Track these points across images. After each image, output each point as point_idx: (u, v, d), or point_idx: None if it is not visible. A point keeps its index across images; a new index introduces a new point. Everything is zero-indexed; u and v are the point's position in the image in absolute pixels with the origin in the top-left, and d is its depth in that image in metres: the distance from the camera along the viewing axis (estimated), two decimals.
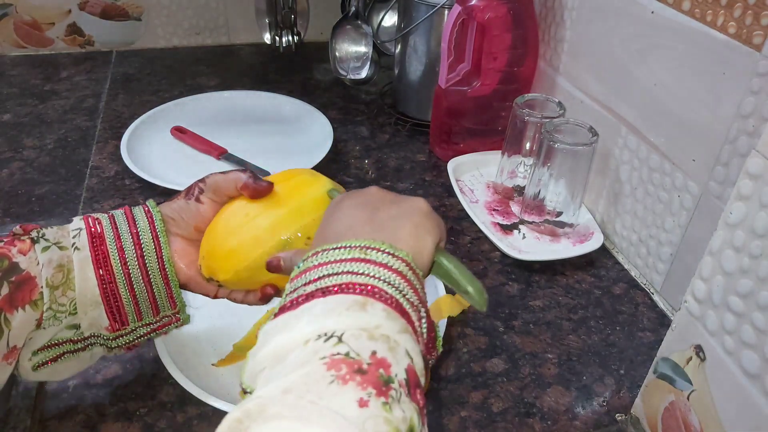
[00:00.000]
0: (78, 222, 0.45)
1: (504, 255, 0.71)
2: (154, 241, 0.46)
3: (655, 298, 0.68)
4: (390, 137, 0.95)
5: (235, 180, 0.47)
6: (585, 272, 0.71)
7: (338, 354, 0.28)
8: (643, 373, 0.53)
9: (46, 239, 0.43)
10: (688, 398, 0.47)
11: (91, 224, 0.45)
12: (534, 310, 0.65)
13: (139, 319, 0.47)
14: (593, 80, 0.75)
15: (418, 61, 0.92)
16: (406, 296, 0.33)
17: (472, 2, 0.77)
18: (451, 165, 0.83)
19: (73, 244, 0.44)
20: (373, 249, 0.35)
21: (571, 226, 0.74)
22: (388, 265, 0.34)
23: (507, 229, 0.76)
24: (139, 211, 0.47)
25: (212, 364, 0.55)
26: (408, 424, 0.27)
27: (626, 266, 0.72)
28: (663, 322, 0.65)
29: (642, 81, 0.66)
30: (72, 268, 0.43)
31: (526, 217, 0.76)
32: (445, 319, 0.59)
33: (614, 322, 0.64)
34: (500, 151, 0.80)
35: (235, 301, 0.51)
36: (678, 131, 0.62)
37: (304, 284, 0.33)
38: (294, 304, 0.32)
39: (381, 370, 0.28)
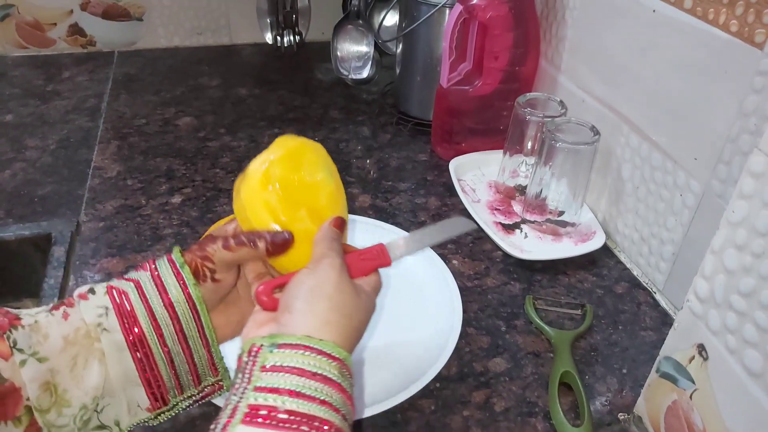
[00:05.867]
0: (102, 298, 0.40)
1: (506, 254, 0.71)
2: (191, 311, 0.41)
3: (658, 297, 0.68)
4: (392, 137, 0.95)
5: (250, 253, 0.43)
6: (587, 271, 0.71)
7: None
8: (646, 372, 0.53)
9: (19, 349, 0.36)
10: (690, 397, 0.47)
11: (117, 300, 0.40)
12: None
13: (179, 393, 0.43)
14: (595, 79, 0.75)
15: (420, 61, 0.92)
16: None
17: (474, 1, 0.77)
18: (453, 164, 0.83)
19: (100, 324, 0.39)
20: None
21: (573, 225, 0.74)
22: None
23: (509, 228, 0.76)
24: (167, 272, 0.42)
25: None
26: None
27: (628, 265, 0.72)
28: (665, 321, 0.65)
29: (643, 79, 0.66)
30: (58, 384, 0.37)
31: (528, 217, 0.76)
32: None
33: (616, 322, 0.64)
34: (502, 151, 0.80)
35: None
36: (680, 130, 0.62)
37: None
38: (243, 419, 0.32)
39: None
